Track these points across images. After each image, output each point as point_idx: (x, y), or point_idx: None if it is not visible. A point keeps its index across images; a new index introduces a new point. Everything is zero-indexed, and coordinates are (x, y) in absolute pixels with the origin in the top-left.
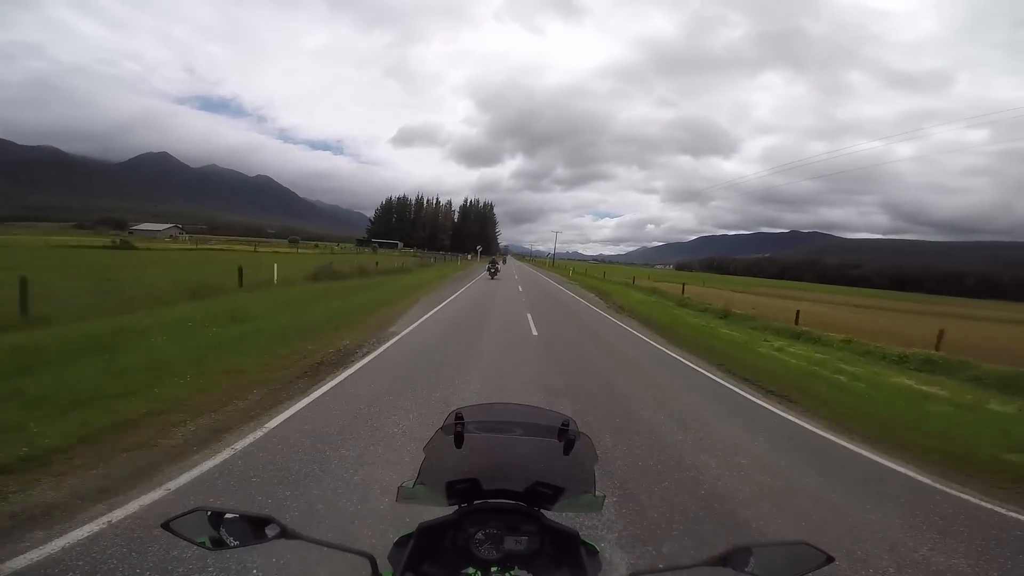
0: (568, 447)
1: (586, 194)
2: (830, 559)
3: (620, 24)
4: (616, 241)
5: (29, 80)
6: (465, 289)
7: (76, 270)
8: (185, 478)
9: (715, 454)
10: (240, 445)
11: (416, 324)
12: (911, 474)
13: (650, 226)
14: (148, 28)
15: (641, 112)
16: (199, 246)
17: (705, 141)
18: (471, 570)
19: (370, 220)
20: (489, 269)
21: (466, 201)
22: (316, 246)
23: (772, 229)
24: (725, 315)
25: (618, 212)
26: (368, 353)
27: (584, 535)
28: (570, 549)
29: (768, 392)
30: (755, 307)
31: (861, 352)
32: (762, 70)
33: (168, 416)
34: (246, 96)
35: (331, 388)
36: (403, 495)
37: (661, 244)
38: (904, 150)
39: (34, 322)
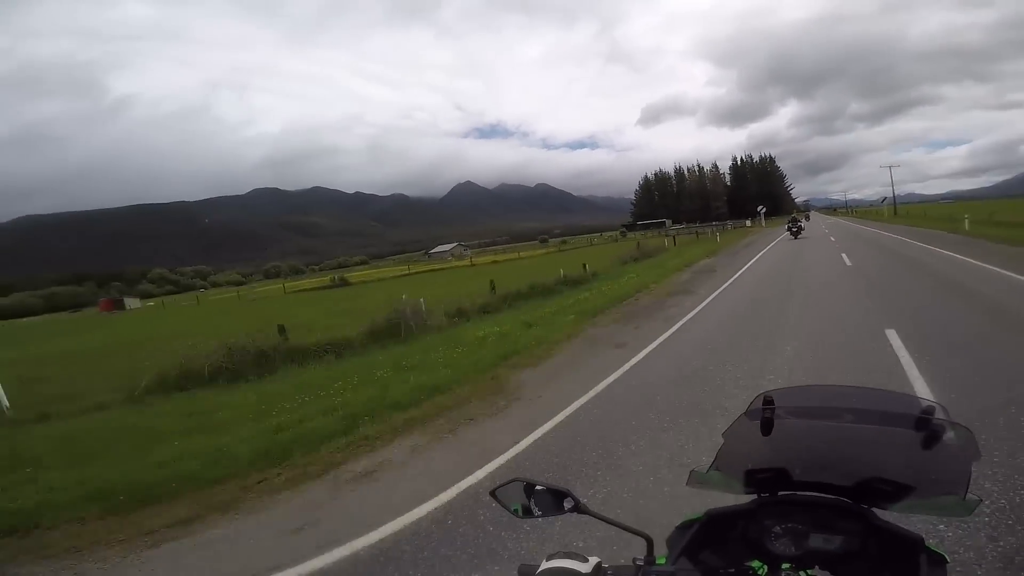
0: (931, 440)
1: (904, 124)
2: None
3: None
4: (973, 172)
5: (364, 145)
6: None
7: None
8: None
9: None
10: None
11: None
12: None
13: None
14: (414, 83)
15: (941, 20)
16: (473, 262)
17: None
18: (756, 563)
19: (631, 203)
20: (790, 228)
21: (735, 160)
22: (564, 242)
23: None
24: None
25: (964, 138)
26: None
27: (930, 542)
28: (905, 556)
29: None
30: None
31: None
32: None
33: None
34: (506, 119)
35: None
36: (695, 479)
37: None
38: None
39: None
